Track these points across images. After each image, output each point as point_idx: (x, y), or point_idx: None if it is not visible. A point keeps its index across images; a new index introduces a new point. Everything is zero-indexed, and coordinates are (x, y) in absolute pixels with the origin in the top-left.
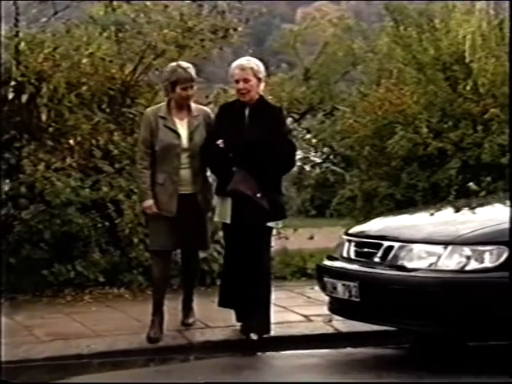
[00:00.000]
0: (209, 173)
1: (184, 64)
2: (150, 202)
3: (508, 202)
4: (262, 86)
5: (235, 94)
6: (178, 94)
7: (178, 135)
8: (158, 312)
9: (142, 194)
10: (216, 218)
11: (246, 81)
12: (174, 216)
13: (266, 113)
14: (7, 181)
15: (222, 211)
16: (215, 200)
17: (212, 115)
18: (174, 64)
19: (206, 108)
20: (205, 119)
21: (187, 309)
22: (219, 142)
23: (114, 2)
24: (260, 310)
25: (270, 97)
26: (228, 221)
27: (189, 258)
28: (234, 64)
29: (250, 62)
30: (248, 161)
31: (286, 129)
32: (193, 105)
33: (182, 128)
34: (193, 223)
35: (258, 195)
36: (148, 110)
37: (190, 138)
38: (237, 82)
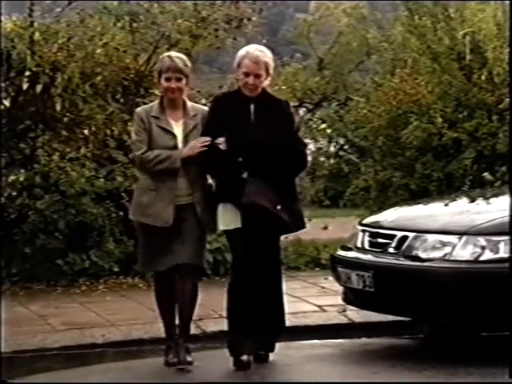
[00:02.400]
0: (210, 180)
1: (174, 54)
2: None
3: None
4: (269, 79)
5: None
6: (162, 85)
7: (174, 136)
8: (170, 336)
9: (171, 162)
10: (222, 227)
11: (257, 76)
12: (169, 228)
13: (273, 109)
14: (22, 171)
15: (227, 218)
16: (218, 208)
17: None
18: (164, 54)
19: (204, 107)
20: (203, 119)
21: (183, 347)
22: (220, 140)
23: None
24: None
25: (284, 87)
26: (239, 225)
27: (185, 281)
28: (245, 52)
29: (264, 54)
30: (260, 166)
31: (295, 126)
32: (189, 103)
33: (177, 130)
34: (187, 239)
35: (278, 207)
36: (139, 109)
37: (186, 141)
38: (246, 74)
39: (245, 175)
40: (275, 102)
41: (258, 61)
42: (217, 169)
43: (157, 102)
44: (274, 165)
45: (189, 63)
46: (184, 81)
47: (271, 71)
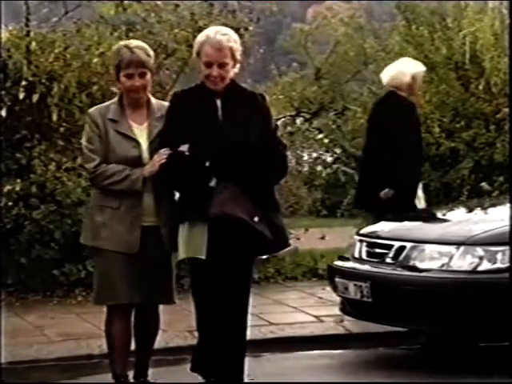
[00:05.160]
0: (177, 194)
1: (133, 43)
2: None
3: None
4: (237, 68)
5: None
6: (123, 84)
7: (138, 143)
8: (117, 377)
9: (130, 183)
10: (183, 254)
11: (222, 66)
12: (133, 255)
13: (245, 103)
14: (18, 181)
15: (191, 244)
16: (182, 229)
17: None
18: (121, 43)
19: None
20: None
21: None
22: (184, 147)
23: (125, 2)
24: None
25: (281, 96)
26: (202, 255)
27: (147, 316)
28: (205, 37)
29: (229, 37)
30: (231, 171)
31: (273, 124)
32: (154, 101)
33: (141, 136)
34: (156, 267)
35: (256, 219)
36: (92, 109)
37: (151, 149)
38: (208, 64)
39: (212, 183)
40: (247, 95)
41: (221, 47)
42: (179, 179)
43: (114, 100)
44: (248, 169)
45: (151, 53)
46: (148, 75)
47: (238, 57)
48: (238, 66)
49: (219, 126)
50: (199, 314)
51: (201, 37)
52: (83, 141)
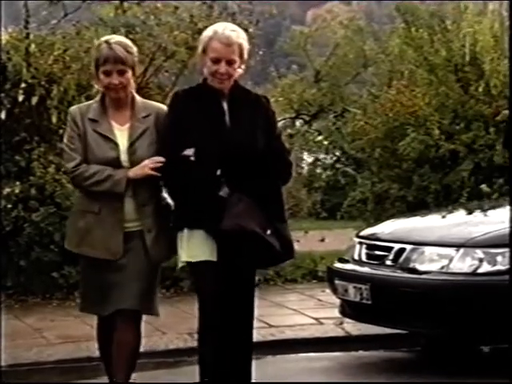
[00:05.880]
0: (169, 199)
1: (114, 38)
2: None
3: None
4: (243, 68)
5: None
6: (101, 82)
7: (116, 145)
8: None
9: (113, 184)
10: (185, 258)
11: (230, 62)
12: (114, 262)
13: (251, 106)
14: (17, 183)
15: (195, 248)
16: (182, 235)
17: None
18: (101, 39)
19: (161, 105)
20: (157, 121)
21: None
22: (189, 151)
23: (124, 4)
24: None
25: (281, 98)
26: (212, 257)
27: (123, 333)
28: (212, 32)
29: (238, 34)
30: (243, 180)
31: (279, 128)
32: (139, 100)
33: (121, 137)
34: (132, 277)
35: (268, 232)
36: (73, 108)
37: (131, 151)
38: (216, 61)
39: (222, 192)
40: (253, 97)
41: (230, 42)
42: (185, 186)
43: (96, 99)
44: (260, 178)
45: (134, 50)
46: (129, 73)
47: (246, 56)
48: (243, 66)
49: (227, 130)
50: (206, 321)
51: (208, 32)
52: (64, 140)
